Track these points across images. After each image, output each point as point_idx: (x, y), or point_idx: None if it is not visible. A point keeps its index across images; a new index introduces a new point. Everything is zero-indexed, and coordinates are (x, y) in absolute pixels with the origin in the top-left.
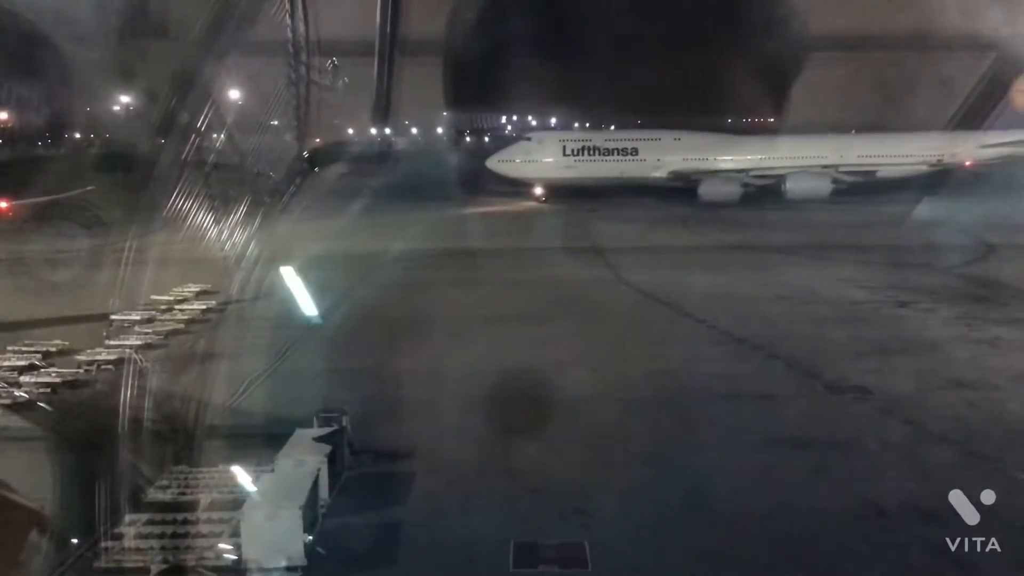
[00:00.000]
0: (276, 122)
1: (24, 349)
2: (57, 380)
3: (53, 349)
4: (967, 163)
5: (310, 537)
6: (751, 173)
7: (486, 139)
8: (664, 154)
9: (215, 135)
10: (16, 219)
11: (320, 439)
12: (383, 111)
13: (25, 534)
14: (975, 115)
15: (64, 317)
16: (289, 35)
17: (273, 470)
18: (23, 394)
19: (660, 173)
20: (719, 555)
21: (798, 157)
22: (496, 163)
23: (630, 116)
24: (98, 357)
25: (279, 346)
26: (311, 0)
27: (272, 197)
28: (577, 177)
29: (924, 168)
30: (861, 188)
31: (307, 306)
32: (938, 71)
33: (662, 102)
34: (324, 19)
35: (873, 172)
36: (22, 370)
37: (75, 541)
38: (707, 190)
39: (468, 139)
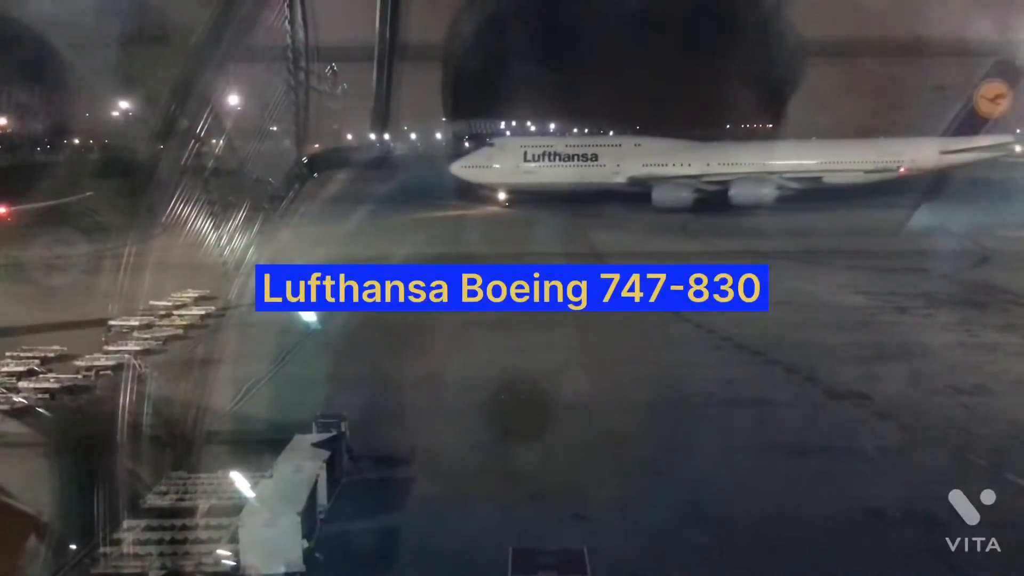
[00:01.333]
0: (275, 128)
1: (23, 354)
2: (56, 386)
3: (52, 355)
4: (902, 170)
5: (308, 543)
6: (703, 179)
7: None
8: (623, 160)
9: (214, 140)
10: (15, 224)
11: (319, 445)
12: (382, 117)
13: (24, 540)
14: (970, 121)
15: (63, 322)
16: (288, 41)
17: (271, 476)
18: (22, 400)
19: (620, 179)
20: (719, 561)
21: (748, 164)
22: (460, 168)
23: (628, 123)
24: (97, 363)
25: (277, 352)
26: (311, 6)
27: (271, 203)
28: (537, 182)
29: (878, 175)
30: (827, 193)
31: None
32: (929, 77)
33: (658, 108)
34: (324, 25)
35: (819, 178)
36: (21, 376)
37: (73, 547)
38: (660, 196)
39: (467, 145)
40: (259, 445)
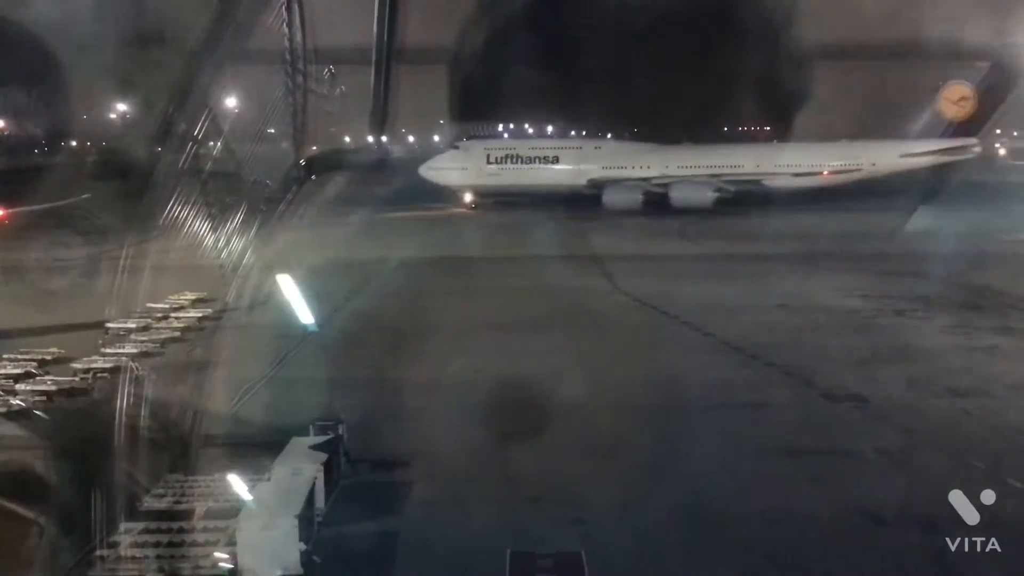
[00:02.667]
0: (273, 130)
1: (20, 357)
2: (53, 388)
3: (49, 357)
4: (825, 172)
5: (306, 546)
6: (652, 182)
7: None
8: (583, 163)
9: (212, 143)
10: (13, 227)
11: (316, 447)
12: (380, 119)
13: (21, 543)
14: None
15: (60, 325)
16: (287, 44)
17: (269, 479)
18: (19, 402)
19: (580, 181)
20: (717, 565)
21: (705, 167)
22: (427, 170)
23: (625, 126)
24: (94, 365)
25: (274, 354)
26: (309, 9)
27: (269, 205)
28: (500, 185)
29: (842, 177)
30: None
31: (303, 313)
32: (930, 80)
33: (656, 112)
34: (321, 28)
35: (758, 182)
36: (18, 378)
37: (71, 550)
38: (609, 198)
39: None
40: (256, 448)
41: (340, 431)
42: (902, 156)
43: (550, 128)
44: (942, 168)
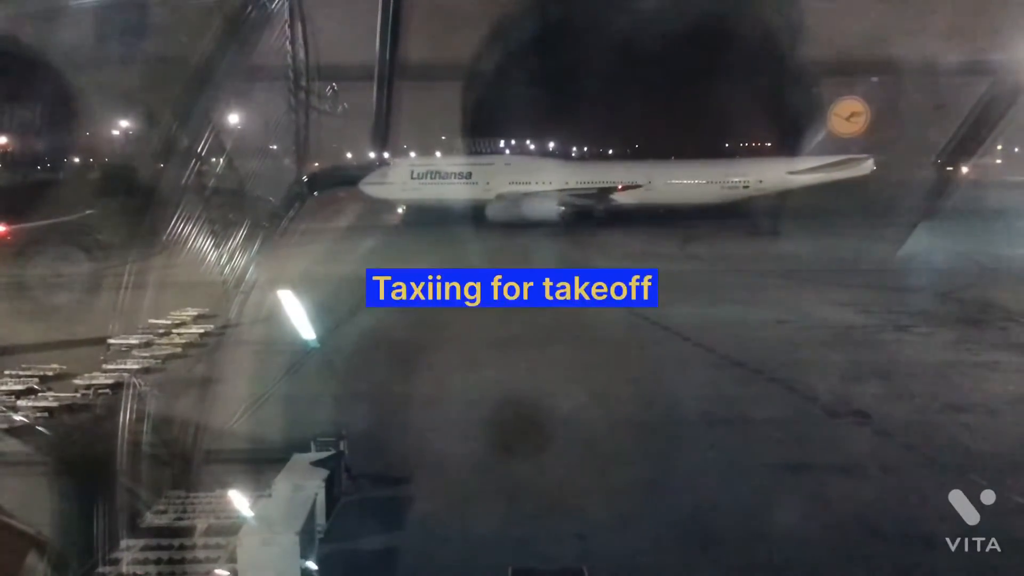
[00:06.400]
0: (275, 147)
1: (22, 373)
2: (55, 404)
3: (51, 373)
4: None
5: (307, 562)
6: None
7: None
8: (493, 178)
9: (215, 159)
10: (15, 243)
11: (317, 464)
12: (382, 136)
13: (22, 559)
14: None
15: (62, 341)
16: (289, 61)
17: (270, 495)
18: (21, 418)
19: (490, 195)
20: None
21: (590, 182)
22: (363, 185)
23: (623, 144)
24: (95, 381)
25: (276, 370)
26: (312, 26)
27: (271, 221)
28: (421, 199)
29: (731, 194)
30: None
31: (305, 329)
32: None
33: (650, 129)
34: (324, 45)
35: (607, 196)
36: (20, 394)
37: (72, 566)
38: (491, 211)
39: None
40: (258, 464)
41: (341, 447)
42: (789, 173)
43: (551, 144)
44: (836, 184)
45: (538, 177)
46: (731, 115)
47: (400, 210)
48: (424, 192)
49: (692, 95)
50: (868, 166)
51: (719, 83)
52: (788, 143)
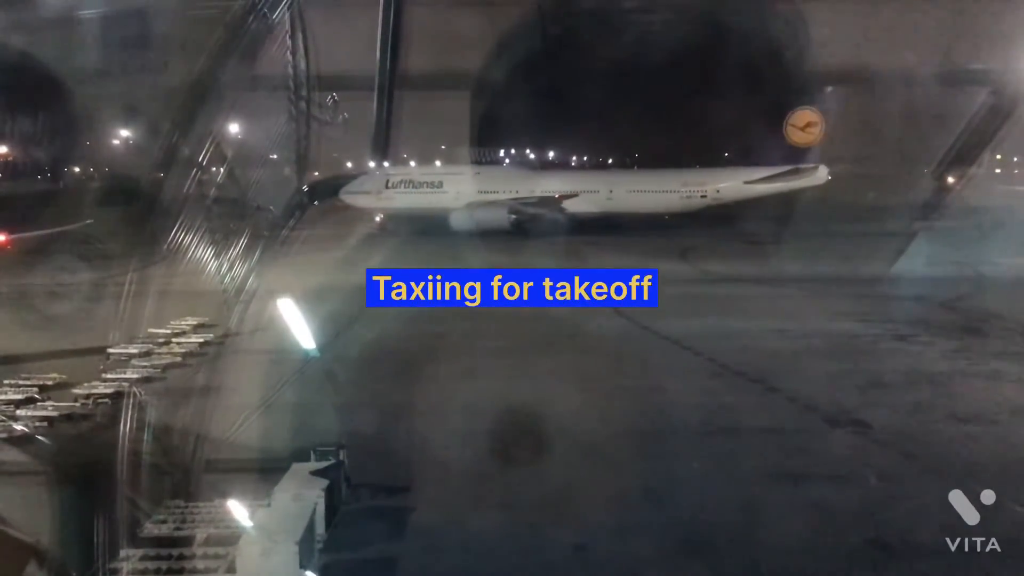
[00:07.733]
0: (276, 156)
1: (21, 382)
2: (54, 414)
3: (50, 382)
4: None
5: (307, 572)
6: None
7: None
8: (463, 187)
9: (215, 169)
10: (16, 252)
11: (317, 473)
12: (382, 145)
13: (22, 568)
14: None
15: (62, 350)
16: (290, 71)
17: (269, 505)
18: (21, 428)
19: (460, 204)
20: None
21: (553, 191)
22: (343, 194)
23: (621, 153)
24: (95, 390)
25: (276, 379)
26: (312, 37)
27: (271, 231)
28: (394, 208)
29: (685, 203)
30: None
31: (305, 338)
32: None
33: (651, 140)
34: (325, 55)
35: (557, 205)
36: (20, 403)
37: (72, 575)
38: (454, 220)
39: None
40: (257, 473)
41: (341, 456)
42: (745, 183)
43: (551, 153)
44: (790, 195)
45: (505, 186)
46: (703, 126)
47: (377, 219)
48: (398, 201)
49: (668, 107)
50: (822, 175)
51: (694, 95)
52: (754, 153)
